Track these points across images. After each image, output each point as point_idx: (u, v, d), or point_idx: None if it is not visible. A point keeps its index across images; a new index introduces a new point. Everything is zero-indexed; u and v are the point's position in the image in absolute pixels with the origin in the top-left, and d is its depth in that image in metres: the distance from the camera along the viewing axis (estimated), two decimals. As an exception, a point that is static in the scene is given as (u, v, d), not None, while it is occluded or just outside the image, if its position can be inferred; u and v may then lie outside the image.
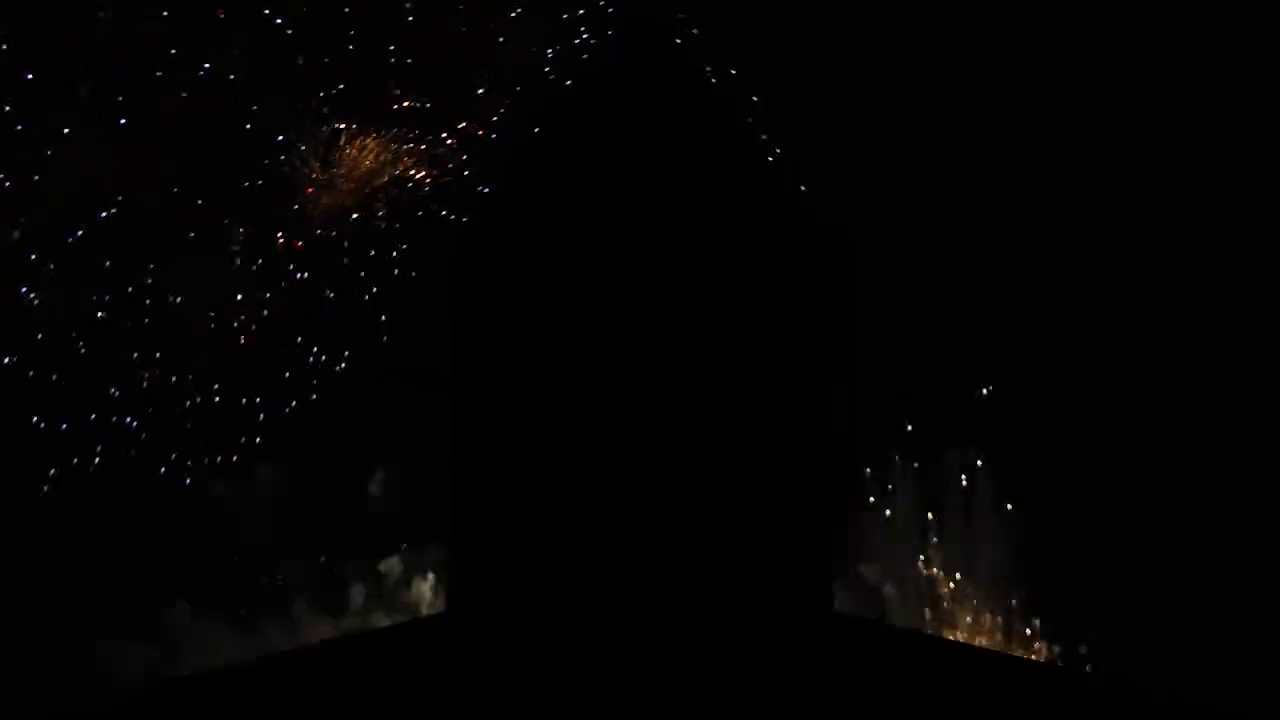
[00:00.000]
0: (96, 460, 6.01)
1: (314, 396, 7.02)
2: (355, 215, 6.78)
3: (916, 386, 6.41)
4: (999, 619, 5.18)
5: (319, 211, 6.42)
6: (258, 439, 6.84)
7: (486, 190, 7.04)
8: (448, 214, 7.05)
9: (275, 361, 6.74)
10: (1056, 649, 5.09)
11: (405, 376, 7.41)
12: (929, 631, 5.67)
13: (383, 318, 7.24)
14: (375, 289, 7.04)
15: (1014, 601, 5.19)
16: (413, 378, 7.42)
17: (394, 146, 6.12)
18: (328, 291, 6.81)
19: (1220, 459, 4.55)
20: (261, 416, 6.78)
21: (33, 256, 5.29)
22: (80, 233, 5.53)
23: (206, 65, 5.24)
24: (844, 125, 6.11)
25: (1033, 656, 5.07)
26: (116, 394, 5.98)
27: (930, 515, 5.87)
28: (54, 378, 5.71)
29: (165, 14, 5.13)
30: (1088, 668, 5.15)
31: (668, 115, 6.77)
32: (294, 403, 6.93)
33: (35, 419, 5.67)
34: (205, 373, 6.39)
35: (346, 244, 6.80)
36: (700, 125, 6.75)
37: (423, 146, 6.24)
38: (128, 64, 5.24)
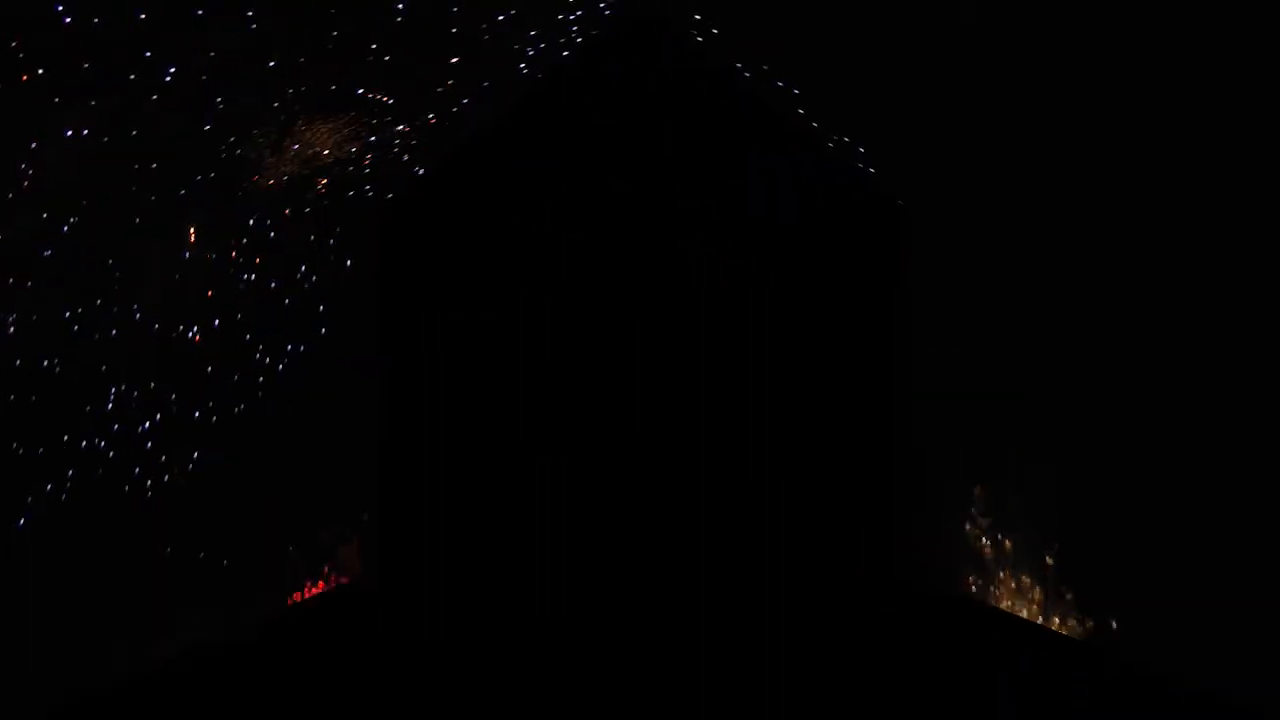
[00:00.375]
0: (69, 485, 5.78)
1: (260, 394, 6.99)
2: (293, 202, 6.79)
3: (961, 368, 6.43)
4: (1036, 592, 5.27)
5: (262, 197, 6.41)
6: (211, 446, 6.73)
7: (421, 171, 7.33)
8: (382, 193, 7.21)
9: (227, 363, 6.64)
10: (1089, 623, 5.07)
11: (346, 367, 7.52)
12: (978, 600, 5.99)
13: (320, 308, 7.29)
14: (315, 277, 7.08)
15: (1050, 570, 5.24)
16: (353, 367, 7.56)
17: (346, 130, 6.30)
18: (270, 283, 6.78)
19: (1272, 443, 4.25)
20: (214, 419, 6.67)
21: (10, 280, 5.12)
22: (50, 250, 5.38)
23: (173, 70, 5.33)
24: (863, 124, 6.39)
25: (1064, 629, 5.23)
26: (89, 410, 5.74)
27: (977, 489, 6.00)
28: (32, 398, 5.45)
29: (143, 16, 5.18)
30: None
31: (641, 107, 7.44)
32: (243, 405, 6.87)
33: (14, 444, 5.41)
34: (162, 381, 6.21)
35: (285, 233, 6.81)
36: (665, 114, 7.47)
37: (372, 137, 6.40)
38: (104, 66, 5.21)
